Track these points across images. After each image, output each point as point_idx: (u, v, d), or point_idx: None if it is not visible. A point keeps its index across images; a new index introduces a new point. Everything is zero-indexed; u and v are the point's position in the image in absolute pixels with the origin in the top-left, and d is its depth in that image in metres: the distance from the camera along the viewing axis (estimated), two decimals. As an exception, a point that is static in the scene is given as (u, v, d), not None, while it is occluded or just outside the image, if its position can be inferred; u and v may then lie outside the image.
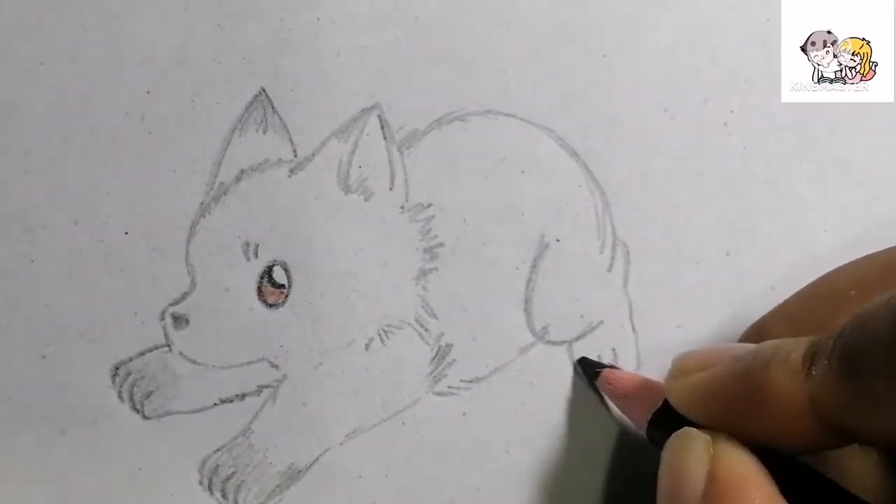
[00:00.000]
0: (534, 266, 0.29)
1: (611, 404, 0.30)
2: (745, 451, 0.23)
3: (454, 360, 0.29)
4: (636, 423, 0.28)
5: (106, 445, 0.26)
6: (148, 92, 0.26)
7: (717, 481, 0.22)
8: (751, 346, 0.24)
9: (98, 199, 0.26)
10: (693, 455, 0.23)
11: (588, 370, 0.29)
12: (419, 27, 0.28)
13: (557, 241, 0.29)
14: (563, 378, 0.30)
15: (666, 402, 0.26)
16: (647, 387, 0.28)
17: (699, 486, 0.22)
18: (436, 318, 0.28)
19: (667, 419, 0.25)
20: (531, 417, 0.29)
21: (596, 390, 0.30)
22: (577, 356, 0.30)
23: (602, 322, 0.30)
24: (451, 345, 0.29)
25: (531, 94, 0.29)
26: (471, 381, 0.29)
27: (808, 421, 0.21)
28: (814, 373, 0.21)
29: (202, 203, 0.27)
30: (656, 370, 0.29)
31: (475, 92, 0.28)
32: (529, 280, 0.29)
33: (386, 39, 0.28)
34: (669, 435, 0.25)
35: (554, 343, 0.29)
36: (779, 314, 0.29)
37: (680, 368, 0.25)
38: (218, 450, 0.27)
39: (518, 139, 0.29)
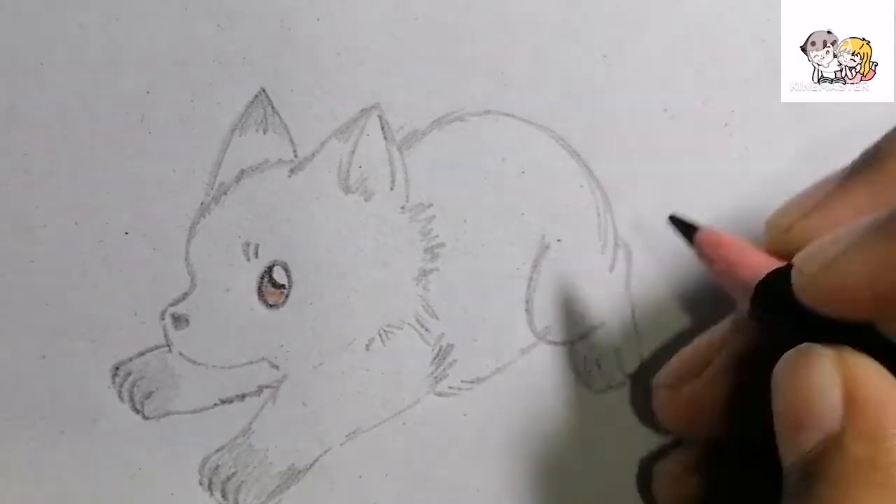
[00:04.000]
0: (535, 266, 0.29)
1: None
2: (877, 364, 0.20)
3: (455, 361, 0.29)
4: (735, 296, 0.25)
5: (106, 445, 0.26)
6: (148, 92, 0.26)
7: (858, 405, 0.20)
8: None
9: (98, 199, 0.26)
10: (823, 375, 0.20)
11: (682, 228, 0.27)
12: (419, 27, 0.28)
13: (558, 241, 0.29)
14: (564, 379, 0.30)
15: (768, 278, 0.23)
16: (749, 255, 0.25)
17: (836, 411, 0.20)
18: (436, 318, 0.28)
19: (771, 296, 0.23)
20: (532, 418, 0.29)
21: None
22: (579, 356, 0.29)
23: (604, 323, 0.30)
24: (452, 345, 0.29)
25: (531, 94, 0.29)
26: (472, 382, 0.29)
27: None
28: None
29: (202, 203, 0.27)
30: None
31: (475, 92, 0.28)
32: (530, 280, 0.29)
33: (386, 39, 0.28)
34: (774, 313, 0.22)
35: (555, 343, 0.29)
36: None
37: (808, 258, 0.21)
38: (218, 450, 0.27)
39: (518, 139, 0.29)
